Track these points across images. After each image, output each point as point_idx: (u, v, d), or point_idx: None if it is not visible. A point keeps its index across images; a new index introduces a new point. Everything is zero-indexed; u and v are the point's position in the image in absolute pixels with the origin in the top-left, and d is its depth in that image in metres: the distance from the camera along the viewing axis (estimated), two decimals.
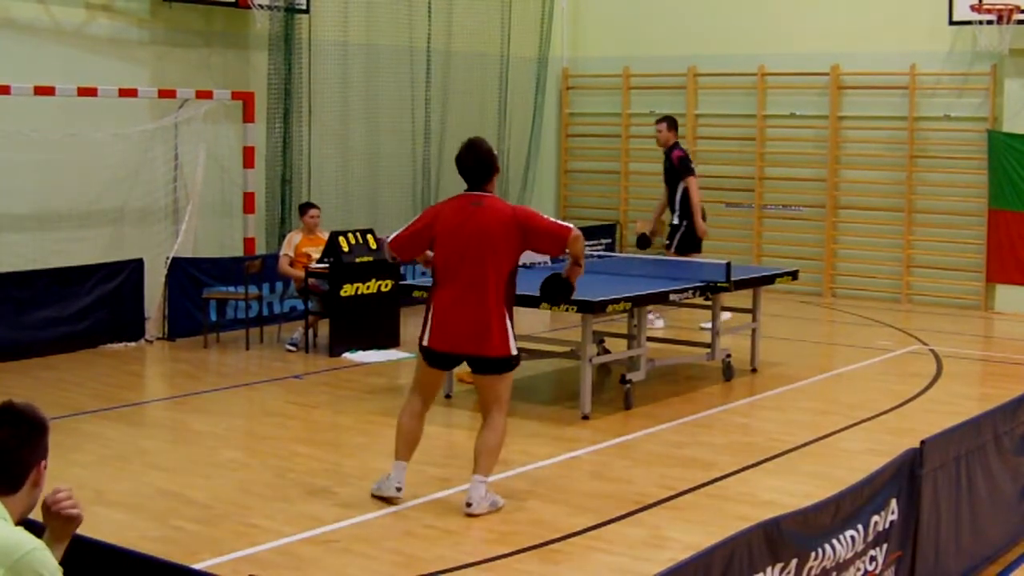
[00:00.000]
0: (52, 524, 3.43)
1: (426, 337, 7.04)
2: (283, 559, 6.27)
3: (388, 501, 7.11)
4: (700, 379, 10.86)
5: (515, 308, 7.23)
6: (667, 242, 13.37)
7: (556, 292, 7.33)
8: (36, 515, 3.53)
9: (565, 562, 6.29)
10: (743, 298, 11.10)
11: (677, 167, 13.11)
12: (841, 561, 4.67)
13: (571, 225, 6.99)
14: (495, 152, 7.20)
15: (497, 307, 6.90)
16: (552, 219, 7.05)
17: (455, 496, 7.32)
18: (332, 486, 7.53)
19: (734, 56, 16.46)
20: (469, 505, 6.97)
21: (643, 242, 13.37)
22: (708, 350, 10.74)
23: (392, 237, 7.28)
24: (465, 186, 7.12)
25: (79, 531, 3.58)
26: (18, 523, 3.34)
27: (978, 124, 15.01)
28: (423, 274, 14.34)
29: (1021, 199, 14.68)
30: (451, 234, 6.94)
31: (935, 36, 15.10)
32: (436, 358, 7.08)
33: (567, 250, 6.98)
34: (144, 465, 8.04)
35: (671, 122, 13.33)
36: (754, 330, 11.12)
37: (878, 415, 9.52)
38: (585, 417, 9.23)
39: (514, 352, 6.99)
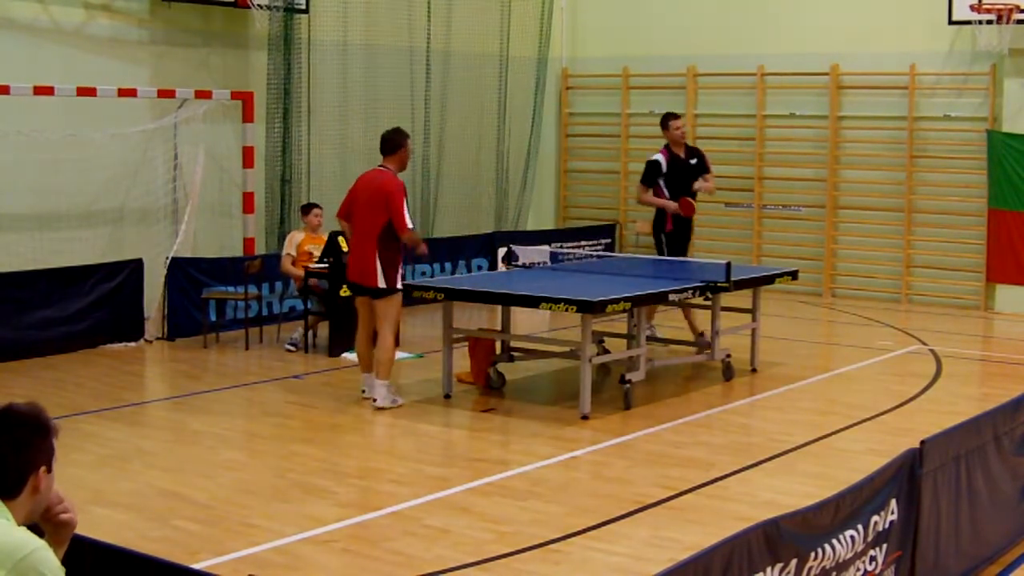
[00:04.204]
0: (47, 529, 3.41)
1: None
2: (283, 559, 6.27)
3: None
4: (700, 379, 10.86)
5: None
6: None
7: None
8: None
9: (565, 562, 6.29)
10: (743, 298, 11.09)
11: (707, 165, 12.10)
12: (841, 561, 4.67)
13: (409, 227, 9.36)
14: (408, 137, 9.96)
15: (374, 251, 9.34)
16: (405, 212, 9.35)
17: (455, 496, 7.34)
18: (331, 486, 7.54)
19: (734, 56, 16.46)
20: (375, 401, 9.33)
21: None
22: (708, 350, 10.74)
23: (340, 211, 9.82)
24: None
25: (79, 531, 3.57)
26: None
27: (978, 124, 15.00)
28: (423, 274, 14.41)
29: (1021, 199, 14.68)
30: (357, 198, 9.63)
31: (935, 36, 15.09)
32: (350, 287, 9.80)
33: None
34: (144, 465, 8.04)
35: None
36: (754, 330, 11.11)
37: (878, 415, 9.52)
38: (585, 417, 9.23)
39: (384, 285, 9.34)
